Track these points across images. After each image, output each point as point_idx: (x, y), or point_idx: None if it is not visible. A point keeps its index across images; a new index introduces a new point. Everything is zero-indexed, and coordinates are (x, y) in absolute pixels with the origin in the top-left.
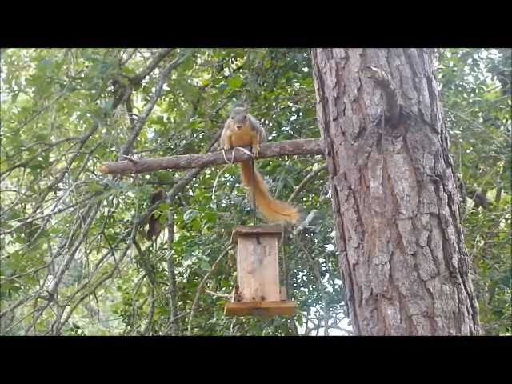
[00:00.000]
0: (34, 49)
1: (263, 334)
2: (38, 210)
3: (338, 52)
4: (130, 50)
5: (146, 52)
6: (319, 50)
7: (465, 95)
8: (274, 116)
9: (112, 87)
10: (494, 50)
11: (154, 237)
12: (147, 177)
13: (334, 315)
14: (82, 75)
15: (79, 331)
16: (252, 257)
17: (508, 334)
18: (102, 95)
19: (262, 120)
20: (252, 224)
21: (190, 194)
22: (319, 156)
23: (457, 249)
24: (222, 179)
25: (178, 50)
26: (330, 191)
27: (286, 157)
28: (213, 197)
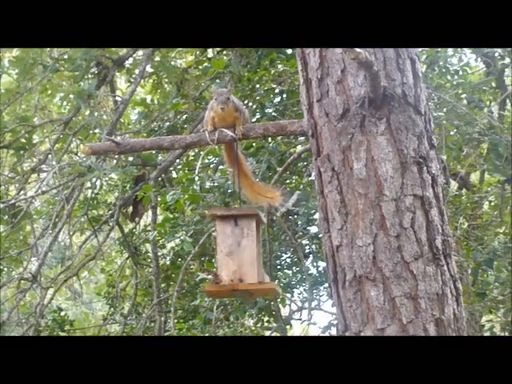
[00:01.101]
0: None
1: (246, 316)
2: (21, 192)
3: None
4: None
5: None
6: None
7: (448, 77)
8: (257, 98)
9: (95, 69)
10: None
11: (137, 219)
12: (130, 159)
13: (318, 297)
14: (66, 57)
15: (62, 313)
16: (230, 239)
17: (491, 316)
18: (86, 77)
19: (246, 102)
20: (236, 206)
21: (174, 175)
22: (302, 138)
23: (440, 231)
24: (206, 161)
25: None
26: (313, 173)
27: (270, 138)
28: (196, 178)
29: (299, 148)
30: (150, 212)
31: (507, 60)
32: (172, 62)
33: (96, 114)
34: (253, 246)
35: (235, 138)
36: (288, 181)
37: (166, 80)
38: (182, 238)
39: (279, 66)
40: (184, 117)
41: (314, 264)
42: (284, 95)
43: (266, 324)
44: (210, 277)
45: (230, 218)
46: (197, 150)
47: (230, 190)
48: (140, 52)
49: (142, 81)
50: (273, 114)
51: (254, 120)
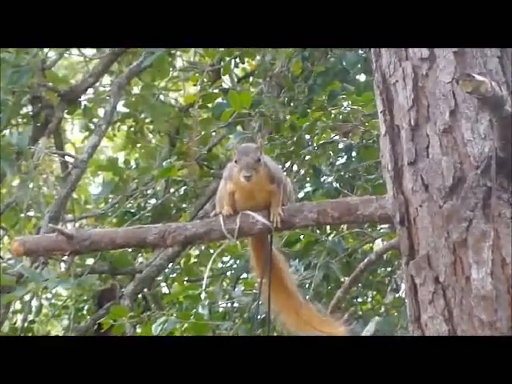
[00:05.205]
0: None
1: None
2: None
3: (417, 50)
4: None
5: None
6: None
7: None
8: (307, 158)
9: (30, 108)
10: None
11: None
12: (90, 262)
13: None
14: None
15: None
16: None
17: None
18: (13, 122)
19: (288, 164)
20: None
21: (164, 291)
22: (385, 226)
23: None
24: (219, 265)
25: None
26: (402, 285)
27: (329, 228)
28: (203, 295)
29: (378, 244)
30: None
31: None
32: (161, 97)
33: (31, 185)
34: None
35: (270, 228)
36: (359, 299)
37: (151, 127)
38: None
39: (344, 104)
40: (182, 190)
41: None
42: (353, 153)
43: None
44: None
45: None
46: (204, 247)
47: (260, 316)
48: (105, 78)
49: (110, 128)
50: (334, 185)
51: (301, 195)
